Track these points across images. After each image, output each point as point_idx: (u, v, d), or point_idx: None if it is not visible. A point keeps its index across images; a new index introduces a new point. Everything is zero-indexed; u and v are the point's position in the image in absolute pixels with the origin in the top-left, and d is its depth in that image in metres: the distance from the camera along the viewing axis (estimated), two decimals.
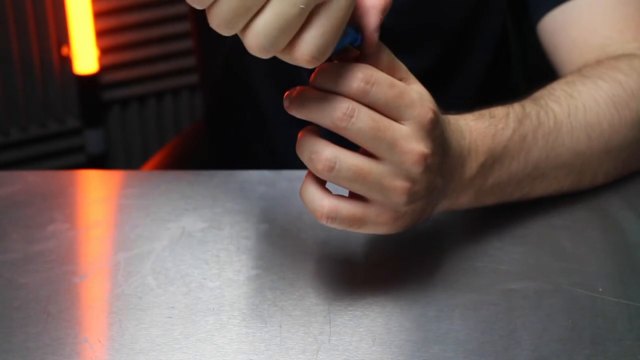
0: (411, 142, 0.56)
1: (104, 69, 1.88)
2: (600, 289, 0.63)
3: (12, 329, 0.59)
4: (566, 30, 0.84)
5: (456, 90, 0.95)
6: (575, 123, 0.71)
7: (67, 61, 1.83)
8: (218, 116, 1.09)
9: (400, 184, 0.57)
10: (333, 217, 0.56)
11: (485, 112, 0.67)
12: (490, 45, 0.95)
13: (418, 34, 0.91)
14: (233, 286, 0.63)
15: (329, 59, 0.55)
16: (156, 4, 1.90)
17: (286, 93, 0.56)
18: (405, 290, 0.63)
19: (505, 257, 0.67)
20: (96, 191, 0.80)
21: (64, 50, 1.81)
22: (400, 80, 0.58)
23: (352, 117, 0.54)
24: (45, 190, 0.77)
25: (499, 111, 0.67)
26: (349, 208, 0.57)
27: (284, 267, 0.65)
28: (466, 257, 0.67)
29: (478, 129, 0.65)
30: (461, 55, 0.94)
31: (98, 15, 1.83)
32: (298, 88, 0.56)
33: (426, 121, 0.57)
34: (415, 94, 0.57)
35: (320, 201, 0.56)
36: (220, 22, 0.49)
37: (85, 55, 1.82)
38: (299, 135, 0.56)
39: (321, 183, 0.57)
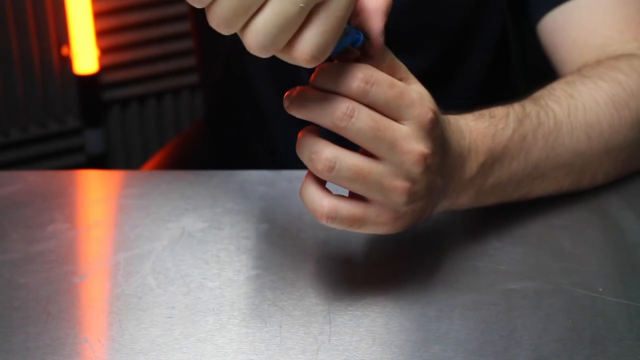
0: (411, 142, 0.56)
1: (104, 69, 1.88)
2: (600, 289, 0.63)
3: (12, 329, 0.59)
4: (566, 30, 0.84)
5: (456, 90, 0.95)
6: (575, 123, 0.71)
7: (67, 61, 1.83)
8: (218, 116, 1.09)
9: (400, 184, 0.57)
10: (333, 217, 0.56)
11: (485, 112, 0.67)
12: (490, 45, 0.95)
13: (418, 34, 0.91)
14: (233, 286, 0.63)
15: (330, 60, 0.55)
16: (156, 4, 1.90)
17: (286, 93, 0.56)
18: (405, 290, 0.63)
19: (505, 257, 0.67)
20: (96, 191, 0.80)
21: (64, 50, 1.81)
22: (400, 80, 0.58)
23: (352, 117, 0.54)
24: (45, 190, 0.77)
25: (499, 111, 0.67)
26: (348, 208, 0.57)
27: (284, 267, 0.65)
28: (466, 257, 0.67)
29: (478, 129, 0.65)
30: (461, 55, 0.94)
31: (98, 15, 1.83)
32: (298, 88, 0.56)
33: (426, 121, 0.57)
34: (415, 94, 0.57)
35: (320, 201, 0.56)
36: (219, 21, 0.49)
37: (85, 55, 1.82)
38: (299, 135, 0.56)
39: (321, 183, 0.57)
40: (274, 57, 0.53)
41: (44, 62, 1.80)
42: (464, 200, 0.65)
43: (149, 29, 1.90)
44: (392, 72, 0.57)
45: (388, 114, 0.56)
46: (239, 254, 0.67)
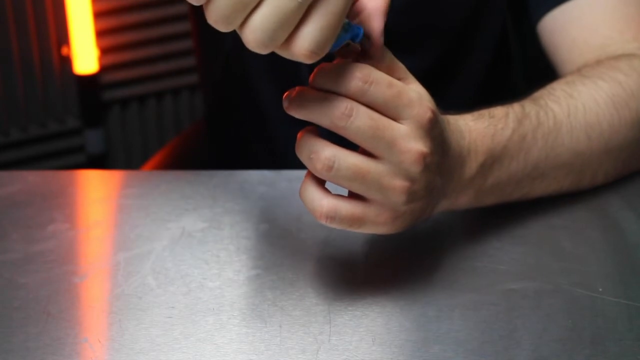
0: (410, 141, 0.56)
1: (104, 69, 1.88)
2: (600, 289, 0.63)
3: (12, 329, 0.59)
4: (566, 30, 0.84)
5: (456, 90, 0.95)
6: (575, 123, 0.71)
7: (67, 61, 1.83)
8: (218, 116, 1.09)
9: (400, 183, 0.57)
10: (332, 216, 0.56)
11: (485, 112, 0.67)
12: (490, 45, 0.95)
13: (418, 33, 0.91)
14: (233, 286, 0.63)
15: (331, 56, 0.55)
16: (156, 4, 1.90)
17: (285, 93, 0.56)
18: (405, 290, 0.63)
19: (505, 257, 0.67)
20: (96, 191, 0.80)
21: (64, 50, 1.81)
22: (399, 79, 0.58)
23: (350, 116, 0.54)
24: (45, 190, 0.77)
25: (498, 111, 0.67)
26: (348, 208, 0.57)
27: (284, 267, 0.65)
28: (466, 257, 0.67)
29: (477, 129, 0.65)
30: (461, 55, 0.94)
31: (98, 15, 1.83)
32: (297, 88, 0.56)
33: (425, 120, 0.57)
34: (414, 94, 0.57)
35: (320, 201, 0.56)
36: (217, 17, 0.49)
37: (85, 55, 1.82)
38: (298, 135, 0.56)
39: (320, 183, 0.57)
40: (274, 57, 0.53)
41: (44, 62, 1.80)
42: (463, 200, 0.65)
43: (149, 29, 1.90)
44: (390, 72, 0.57)
45: (387, 113, 0.56)
46: (239, 254, 0.67)
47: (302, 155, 0.56)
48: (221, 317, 0.60)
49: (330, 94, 0.55)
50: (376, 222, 0.58)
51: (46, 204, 0.74)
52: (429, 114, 0.57)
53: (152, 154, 1.65)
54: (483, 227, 0.70)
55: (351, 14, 0.57)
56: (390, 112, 0.56)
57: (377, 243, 0.68)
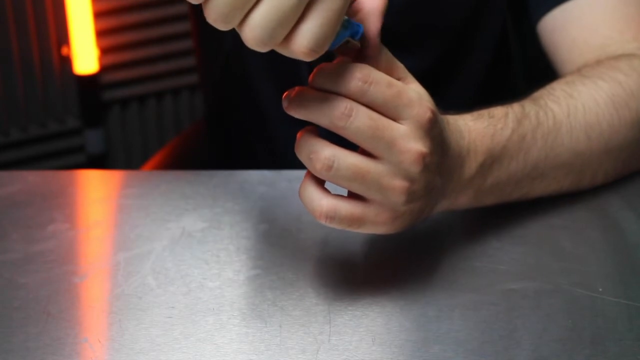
0: (409, 142, 0.56)
1: (104, 69, 1.88)
2: (600, 289, 0.63)
3: (12, 329, 0.59)
4: (566, 30, 0.84)
5: (456, 90, 0.95)
6: (575, 123, 0.71)
7: (67, 61, 1.83)
8: (218, 116, 1.09)
9: (399, 183, 0.57)
10: (332, 216, 0.56)
11: (484, 112, 0.67)
12: (490, 45, 0.95)
13: (417, 33, 0.91)
14: (233, 286, 0.63)
15: (331, 55, 0.55)
16: (156, 4, 1.90)
17: (285, 93, 0.56)
18: (405, 290, 0.63)
19: (505, 257, 0.67)
20: (96, 191, 0.80)
21: (64, 50, 1.81)
22: (399, 79, 0.58)
23: (350, 116, 0.55)
24: (45, 190, 0.77)
25: (498, 111, 0.67)
26: (347, 208, 0.57)
27: (284, 267, 0.65)
28: (466, 257, 0.67)
29: (477, 129, 0.65)
30: (461, 55, 0.94)
31: (98, 15, 1.83)
32: (297, 88, 0.56)
33: (424, 120, 0.57)
34: (414, 94, 0.57)
35: (319, 201, 0.56)
36: (217, 16, 0.49)
37: (85, 55, 1.82)
38: (298, 135, 0.56)
39: (320, 183, 0.57)
40: (273, 56, 0.53)
41: (44, 62, 1.80)
42: (463, 200, 0.65)
43: (149, 29, 1.91)
44: (390, 72, 0.57)
45: (386, 113, 0.56)
46: (239, 254, 0.67)
47: (302, 155, 0.56)
48: (221, 317, 0.60)
49: (329, 94, 0.55)
50: (376, 222, 0.58)
51: (46, 204, 0.74)
52: (428, 114, 0.57)
53: (152, 154, 1.65)
54: (483, 227, 0.70)
55: (349, 13, 0.57)
56: (389, 112, 0.56)
57: (376, 243, 0.68)
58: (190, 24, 1.38)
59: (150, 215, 0.73)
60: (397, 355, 0.56)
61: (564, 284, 0.63)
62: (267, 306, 0.61)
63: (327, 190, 0.57)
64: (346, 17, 0.54)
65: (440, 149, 0.60)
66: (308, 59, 0.52)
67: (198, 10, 0.51)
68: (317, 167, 0.55)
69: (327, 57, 0.55)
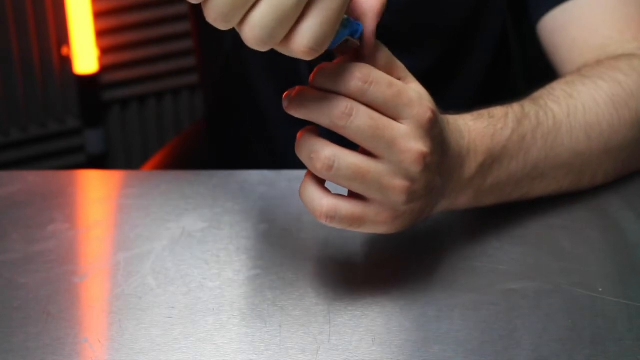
0: (410, 141, 0.56)
1: (104, 69, 1.88)
2: (600, 289, 0.63)
3: (12, 329, 0.59)
4: (566, 30, 0.84)
5: (456, 90, 0.95)
6: (575, 123, 0.71)
7: (67, 61, 1.83)
8: (218, 116, 1.09)
9: (399, 183, 0.57)
10: (332, 216, 0.56)
11: (484, 112, 0.67)
12: (490, 45, 0.95)
13: (417, 33, 0.91)
14: (233, 286, 0.63)
15: (330, 53, 0.55)
16: (156, 4, 1.90)
17: (285, 93, 0.56)
18: (405, 290, 0.63)
19: (505, 257, 0.67)
20: (96, 191, 0.80)
21: (64, 50, 1.81)
22: (399, 79, 0.58)
23: (350, 116, 0.54)
24: (45, 190, 0.77)
25: (498, 111, 0.67)
26: (348, 207, 0.57)
27: (284, 267, 0.65)
28: (465, 257, 0.67)
29: (477, 129, 0.65)
30: (461, 55, 0.94)
31: (98, 15, 1.83)
32: (297, 88, 0.56)
33: (425, 120, 0.57)
34: (414, 93, 0.57)
35: (320, 200, 0.56)
36: (216, 15, 0.49)
37: (85, 55, 1.82)
38: (298, 135, 0.56)
39: (320, 182, 0.57)
40: (273, 56, 0.53)
41: (44, 62, 1.80)
42: (463, 200, 0.65)
43: (149, 29, 1.90)
44: (390, 71, 0.57)
45: (387, 113, 0.56)
46: (239, 254, 0.67)
47: (302, 154, 0.56)
48: (221, 317, 0.60)
49: (330, 93, 0.55)
50: (376, 222, 0.58)
51: (46, 204, 0.74)
52: (429, 114, 0.57)
53: (152, 154, 1.65)
54: (483, 227, 0.70)
55: (347, 11, 0.57)
56: (390, 112, 0.56)
57: (377, 243, 0.68)
58: (190, 24, 1.38)
59: (150, 215, 0.73)
60: (397, 355, 0.56)
61: (563, 284, 0.63)
62: (267, 306, 0.61)
63: (327, 190, 0.57)
64: (345, 16, 0.54)
65: (441, 149, 0.60)
66: (308, 58, 0.52)
67: (198, 10, 0.51)
68: (318, 167, 0.55)
69: (327, 56, 0.55)
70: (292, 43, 0.51)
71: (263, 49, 0.51)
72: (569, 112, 0.71)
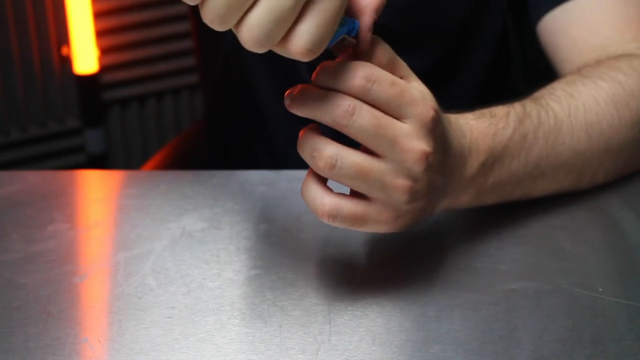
0: (412, 140, 0.56)
1: (104, 69, 1.88)
2: (600, 289, 0.63)
3: (12, 329, 0.59)
4: (566, 30, 0.84)
5: (456, 90, 0.95)
6: (576, 122, 0.71)
7: (67, 61, 1.83)
8: (218, 116, 1.09)
9: (402, 182, 0.57)
10: (334, 215, 0.56)
11: (486, 112, 0.67)
12: (490, 45, 0.95)
13: (418, 33, 0.91)
14: (233, 286, 0.63)
15: (329, 51, 0.55)
16: (156, 4, 1.90)
17: (287, 91, 0.56)
18: (405, 290, 0.63)
19: (505, 257, 0.67)
20: (96, 191, 0.80)
21: (64, 50, 1.81)
22: (401, 78, 0.58)
23: (353, 114, 0.54)
24: (45, 190, 0.77)
25: (499, 110, 0.67)
26: (350, 206, 0.57)
27: (284, 267, 0.65)
28: (466, 257, 0.67)
29: (479, 128, 0.65)
30: (461, 55, 0.94)
31: (98, 15, 1.83)
32: (299, 86, 0.55)
33: (427, 119, 0.57)
34: (417, 92, 0.57)
35: (322, 199, 0.56)
36: (213, 17, 0.49)
37: (85, 55, 1.82)
38: (300, 133, 0.56)
39: (322, 181, 0.57)
40: (273, 56, 0.53)
41: (44, 62, 1.80)
42: (464, 199, 0.65)
43: (149, 29, 1.91)
44: (392, 70, 0.57)
45: (389, 112, 0.56)
46: (239, 254, 0.67)
47: (305, 153, 0.56)
48: (221, 317, 0.60)
49: (332, 91, 0.55)
50: (378, 221, 0.58)
51: (46, 204, 0.74)
52: (431, 113, 0.57)
53: (152, 154, 1.65)
54: (483, 227, 0.70)
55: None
56: (392, 111, 0.56)
57: (377, 243, 0.68)
58: (190, 24, 1.38)
59: (150, 215, 0.73)
60: (397, 355, 0.56)
61: (563, 284, 0.63)
62: (267, 306, 0.61)
63: (329, 189, 0.57)
64: (343, 15, 0.54)
65: (443, 148, 0.60)
66: (305, 60, 0.52)
67: (198, 10, 0.50)
68: (320, 165, 0.55)
69: (324, 54, 0.54)
70: (289, 44, 0.51)
71: (260, 50, 0.51)
72: (569, 111, 0.71)
